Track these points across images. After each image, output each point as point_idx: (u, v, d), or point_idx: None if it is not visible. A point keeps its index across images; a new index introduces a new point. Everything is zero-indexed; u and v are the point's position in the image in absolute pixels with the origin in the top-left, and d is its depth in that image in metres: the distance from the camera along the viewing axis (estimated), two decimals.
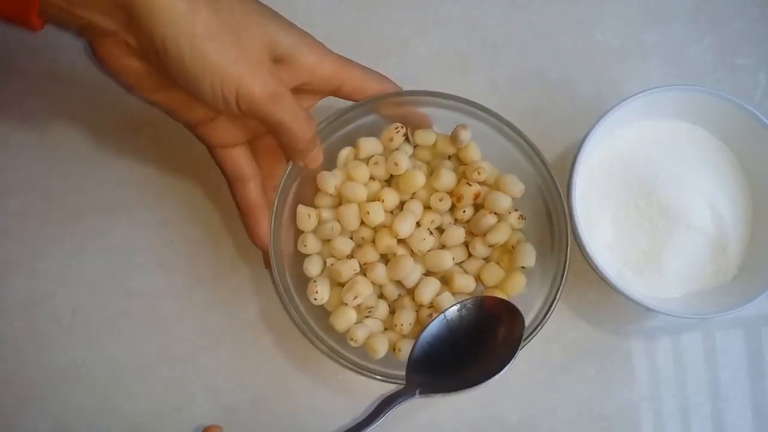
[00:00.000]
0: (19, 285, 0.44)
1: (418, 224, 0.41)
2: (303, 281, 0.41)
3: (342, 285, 0.40)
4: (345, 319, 0.40)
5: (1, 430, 0.43)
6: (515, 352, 0.38)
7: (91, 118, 0.46)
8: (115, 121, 0.46)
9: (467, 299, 0.39)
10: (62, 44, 0.46)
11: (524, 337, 0.40)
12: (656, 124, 0.44)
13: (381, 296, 0.42)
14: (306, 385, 0.43)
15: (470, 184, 0.40)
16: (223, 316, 0.44)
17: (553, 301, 0.40)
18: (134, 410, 0.43)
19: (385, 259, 0.41)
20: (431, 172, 0.42)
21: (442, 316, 0.38)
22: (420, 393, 0.38)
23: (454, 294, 0.41)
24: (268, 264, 0.40)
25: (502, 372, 0.37)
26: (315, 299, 0.40)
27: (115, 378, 0.43)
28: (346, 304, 0.40)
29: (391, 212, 0.41)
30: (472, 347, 0.39)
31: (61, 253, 0.44)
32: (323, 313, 0.41)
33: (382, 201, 0.40)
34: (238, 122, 0.39)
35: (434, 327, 0.38)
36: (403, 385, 0.38)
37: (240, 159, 0.40)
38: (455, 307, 0.39)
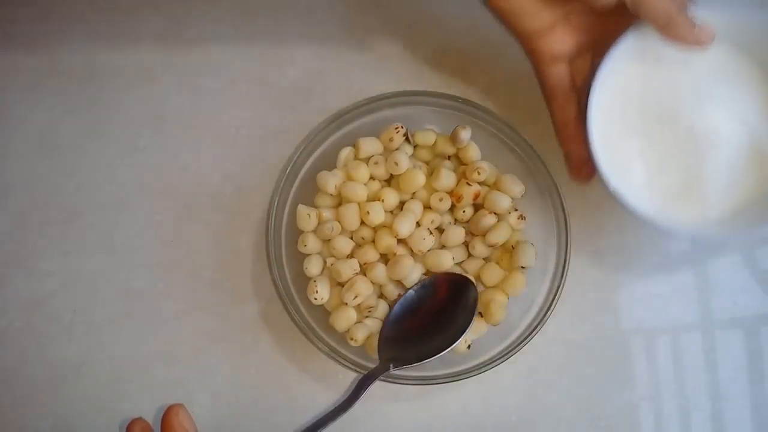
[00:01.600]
0: (20, 285, 0.44)
1: (418, 224, 0.41)
2: (303, 281, 0.41)
3: (342, 285, 0.40)
4: (345, 318, 0.40)
5: (2, 429, 0.43)
6: (472, 317, 0.40)
7: (92, 118, 0.46)
8: (116, 122, 0.46)
9: (422, 280, 0.41)
10: (63, 44, 0.46)
11: (524, 337, 0.40)
12: (670, 49, 0.40)
13: (381, 296, 0.42)
14: (306, 384, 0.43)
15: (470, 184, 0.40)
16: (224, 316, 0.44)
17: (552, 301, 0.40)
18: (134, 410, 0.43)
19: (385, 259, 0.41)
20: (431, 172, 0.42)
21: (402, 299, 0.40)
22: (393, 367, 0.39)
23: None
24: (586, 173, 0.40)
25: (462, 337, 0.39)
26: (315, 299, 0.40)
27: (115, 378, 0.43)
28: (346, 303, 0.40)
29: (391, 212, 0.41)
30: (435, 320, 0.40)
31: (61, 253, 0.44)
32: (323, 313, 0.41)
33: (382, 201, 0.40)
34: (581, 28, 0.39)
35: (397, 309, 0.40)
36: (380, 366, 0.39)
37: (565, 76, 0.39)
38: (412, 290, 0.41)
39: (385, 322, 0.40)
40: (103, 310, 0.44)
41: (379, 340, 0.39)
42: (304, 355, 0.43)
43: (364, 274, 0.40)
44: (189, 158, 0.45)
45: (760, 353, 0.45)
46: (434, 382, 0.39)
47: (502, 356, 0.40)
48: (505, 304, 0.41)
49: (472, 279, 0.41)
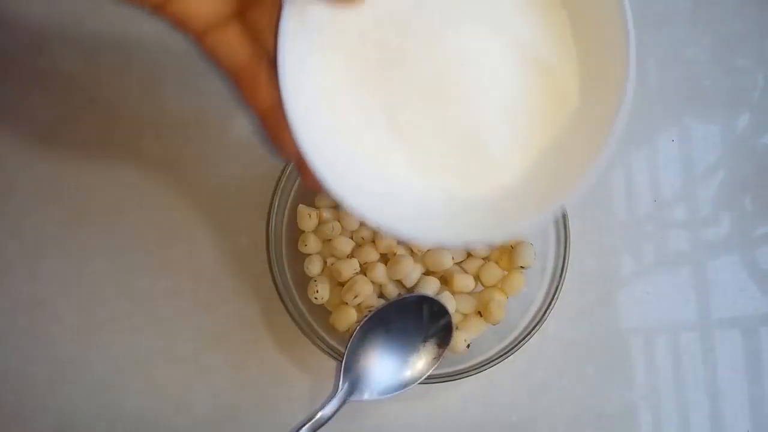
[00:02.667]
0: (22, 285, 0.44)
1: None
2: (303, 281, 0.41)
3: (342, 284, 0.41)
4: (345, 318, 0.40)
5: (3, 429, 0.43)
6: (446, 345, 0.38)
7: (93, 119, 0.46)
8: (117, 122, 0.46)
9: (394, 299, 0.39)
10: (64, 44, 0.46)
11: (523, 336, 0.40)
12: None
13: (381, 296, 0.42)
14: (307, 384, 0.44)
15: None
16: (224, 315, 0.44)
17: (551, 300, 0.40)
18: (136, 409, 0.43)
19: (385, 258, 0.41)
20: None
21: (370, 317, 0.38)
22: (350, 396, 0.37)
23: (453, 293, 0.41)
24: (309, 179, 0.26)
25: (431, 369, 0.38)
26: (315, 299, 0.40)
27: (117, 377, 0.43)
28: (347, 303, 0.40)
29: None
30: (403, 345, 0.39)
31: (63, 253, 0.44)
32: (324, 313, 0.41)
33: None
34: None
35: (365, 327, 0.38)
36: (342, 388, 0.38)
37: (236, 44, 0.28)
38: (384, 304, 0.39)
39: (351, 341, 0.38)
40: (105, 309, 0.44)
41: (345, 357, 0.38)
42: (304, 354, 0.43)
43: (365, 274, 0.40)
44: (190, 158, 0.45)
45: (758, 353, 0.45)
46: (433, 381, 0.40)
47: (501, 356, 0.40)
48: (504, 303, 0.41)
49: (448, 308, 0.39)
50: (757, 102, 0.48)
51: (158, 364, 0.44)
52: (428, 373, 0.38)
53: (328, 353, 0.39)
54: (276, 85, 0.26)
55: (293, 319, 0.40)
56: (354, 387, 0.38)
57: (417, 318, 0.39)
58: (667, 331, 0.45)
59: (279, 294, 0.40)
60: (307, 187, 0.29)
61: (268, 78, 0.28)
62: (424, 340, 0.39)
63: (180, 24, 0.28)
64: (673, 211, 0.46)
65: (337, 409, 0.36)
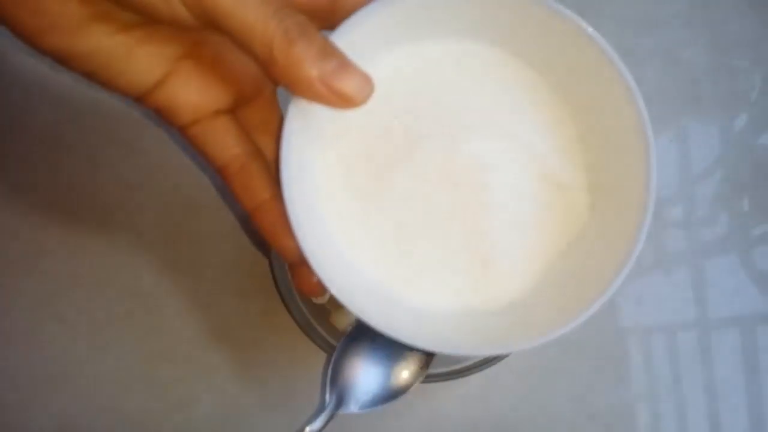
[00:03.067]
0: (23, 284, 0.44)
1: None
2: None
3: None
4: (346, 317, 0.40)
5: (5, 429, 0.43)
6: (432, 356, 0.37)
7: (94, 119, 0.46)
8: (118, 123, 0.46)
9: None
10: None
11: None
12: (419, 48, 0.26)
13: None
14: (307, 383, 0.44)
15: None
16: (225, 315, 0.44)
17: None
18: (137, 409, 0.43)
19: None
20: None
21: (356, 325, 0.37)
22: (337, 408, 0.36)
23: None
24: (305, 283, 0.27)
25: (417, 380, 0.37)
26: (316, 298, 0.40)
27: (118, 377, 0.43)
28: None
29: None
30: (389, 353, 0.37)
31: (65, 252, 0.44)
32: (324, 312, 0.42)
33: None
34: (204, 71, 0.26)
35: (354, 335, 0.37)
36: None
37: (225, 136, 0.26)
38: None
39: (337, 349, 0.36)
40: (107, 309, 0.44)
41: (330, 369, 0.36)
42: (305, 354, 0.44)
43: None
44: (191, 158, 0.45)
45: (756, 352, 0.46)
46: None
47: (500, 355, 0.40)
48: None
49: None
50: (754, 102, 0.48)
51: (158, 364, 0.44)
52: (417, 382, 0.37)
53: (329, 353, 0.39)
54: (268, 181, 0.26)
55: (293, 318, 0.40)
56: (341, 399, 0.36)
57: None
58: (665, 331, 0.46)
59: (279, 294, 0.40)
60: (300, 293, 0.28)
61: (259, 173, 0.27)
62: (411, 348, 0.38)
63: (165, 115, 0.26)
64: (670, 211, 0.47)
65: (326, 423, 0.35)
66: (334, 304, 0.41)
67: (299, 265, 0.25)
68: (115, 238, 0.45)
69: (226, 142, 0.26)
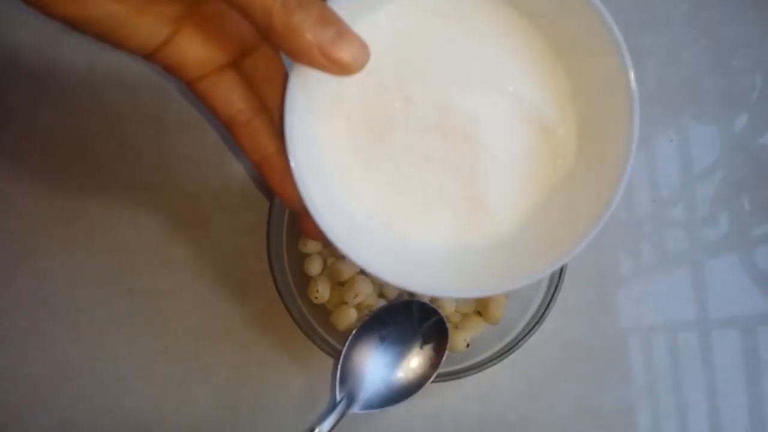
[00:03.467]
0: (23, 284, 0.44)
1: None
2: (304, 281, 0.42)
3: (342, 284, 0.41)
4: (345, 317, 0.40)
5: (6, 429, 0.43)
6: (443, 357, 0.37)
7: (94, 119, 0.46)
8: (118, 123, 0.46)
9: (389, 303, 0.39)
10: (66, 44, 0.46)
11: (522, 336, 0.40)
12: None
13: (381, 295, 0.42)
14: (307, 383, 0.44)
15: None
16: (225, 315, 0.44)
17: (550, 300, 0.40)
18: (137, 408, 0.43)
19: None
20: None
21: (366, 321, 0.38)
22: (348, 407, 0.37)
23: None
24: (309, 228, 0.27)
25: (428, 381, 0.37)
26: (316, 298, 0.40)
27: (118, 376, 0.44)
28: (347, 302, 0.40)
29: None
30: (399, 353, 0.38)
31: (65, 252, 0.44)
32: (324, 312, 0.42)
33: None
34: (207, 28, 0.27)
35: (360, 333, 0.38)
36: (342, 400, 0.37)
37: (231, 91, 0.28)
38: (379, 310, 0.38)
39: (346, 348, 0.37)
40: (106, 309, 0.44)
41: (339, 369, 0.37)
42: (304, 354, 0.44)
43: (365, 274, 0.41)
44: (191, 158, 0.45)
45: (756, 352, 0.46)
46: (433, 380, 0.40)
47: (501, 355, 0.40)
48: (504, 303, 0.41)
49: (444, 317, 0.38)
50: (755, 103, 0.48)
51: (158, 364, 0.44)
52: (428, 382, 0.37)
53: (329, 353, 0.40)
54: (272, 134, 0.28)
55: (293, 318, 0.40)
56: (352, 399, 0.37)
57: (409, 322, 0.39)
58: (665, 331, 0.46)
59: (279, 294, 0.40)
60: (306, 235, 0.30)
61: (264, 127, 0.28)
62: (420, 346, 0.38)
63: (174, 71, 0.27)
64: (671, 211, 0.47)
65: (336, 423, 0.36)
66: (334, 304, 0.41)
67: (303, 212, 0.26)
68: (114, 237, 0.45)
69: (232, 97, 0.28)
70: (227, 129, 0.29)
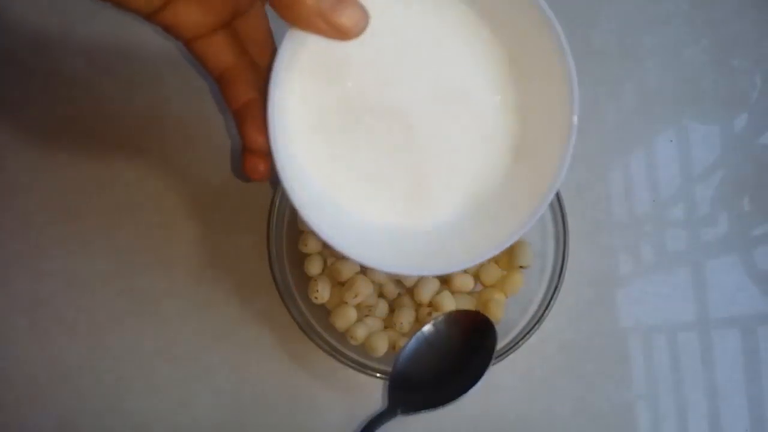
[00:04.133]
0: (23, 285, 0.44)
1: None
2: (303, 280, 0.42)
3: (342, 284, 0.41)
4: (345, 317, 0.40)
5: (6, 429, 0.43)
6: (489, 361, 0.39)
7: (94, 119, 0.46)
8: (118, 123, 0.46)
9: (440, 315, 0.40)
10: (65, 44, 0.46)
11: (522, 336, 0.40)
12: None
13: (381, 295, 0.42)
14: (306, 382, 0.44)
15: None
16: (225, 315, 0.44)
17: (550, 300, 0.40)
18: (137, 409, 0.43)
19: None
20: None
21: (420, 333, 0.39)
22: (401, 412, 0.39)
23: (452, 293, 0.41)
24: (260, 172, 0.29)
25: (477, 384, 0.38)
26: (315, 298, 0.40)
27: (118, 377, 0.44)
28: (347, 302, 0.40)
29: None
30: (450, 362, 0.39)
31: (65, 253, 0.44)
32: (324, 312, 0.42)
33: None
34: None
35: (412, 345, 0.39)
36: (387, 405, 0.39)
37: (223, 49, 0.30)
38: (429, 324, 0.39)
39: (398, 360, 0.39)
40: (106, 309, 0.44)
41: (390, 379, 0.39)
42: (304, 353, 0.44)
43: (364, 274, 0.41)
44: (191, 158, 0.45)
45: (756, 352, 0.46)
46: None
47: (501, 355, 0.40)
48: (504, 303, 0.41)
49: (493, 321, 0.39)
50: (755, 102, 0.48)
51: (158, 364, 0.44)
52: (469, 390, 0.39)
53: (328, 352, 0.40)
54: (255, 86, 0.30)
55: (293, 318, 0.40)
56: (401, 404, 0.39)
57: (462, 334, 0.39)
58: (665, 331, 0.46)
59: (279, 294, 0.40)
60: (244, 170, 0.30)
61: (248, 80, 0.30)
62: (468, 360, 0.39)
63: (171, 31, 0.29)
64: (671, 211, 0.47)
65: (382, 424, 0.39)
66: (334, 304, 0.41)
67: (252, 152, 0.29)
68: (114, 237, 0.45)
69: (223, 55, 0.30)
70: (217, 84, 0.31)
